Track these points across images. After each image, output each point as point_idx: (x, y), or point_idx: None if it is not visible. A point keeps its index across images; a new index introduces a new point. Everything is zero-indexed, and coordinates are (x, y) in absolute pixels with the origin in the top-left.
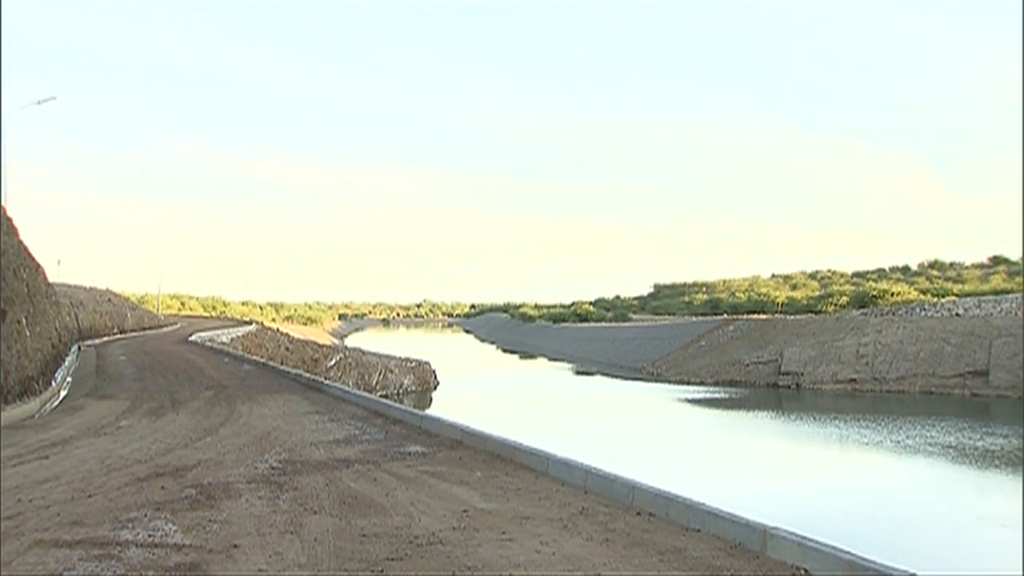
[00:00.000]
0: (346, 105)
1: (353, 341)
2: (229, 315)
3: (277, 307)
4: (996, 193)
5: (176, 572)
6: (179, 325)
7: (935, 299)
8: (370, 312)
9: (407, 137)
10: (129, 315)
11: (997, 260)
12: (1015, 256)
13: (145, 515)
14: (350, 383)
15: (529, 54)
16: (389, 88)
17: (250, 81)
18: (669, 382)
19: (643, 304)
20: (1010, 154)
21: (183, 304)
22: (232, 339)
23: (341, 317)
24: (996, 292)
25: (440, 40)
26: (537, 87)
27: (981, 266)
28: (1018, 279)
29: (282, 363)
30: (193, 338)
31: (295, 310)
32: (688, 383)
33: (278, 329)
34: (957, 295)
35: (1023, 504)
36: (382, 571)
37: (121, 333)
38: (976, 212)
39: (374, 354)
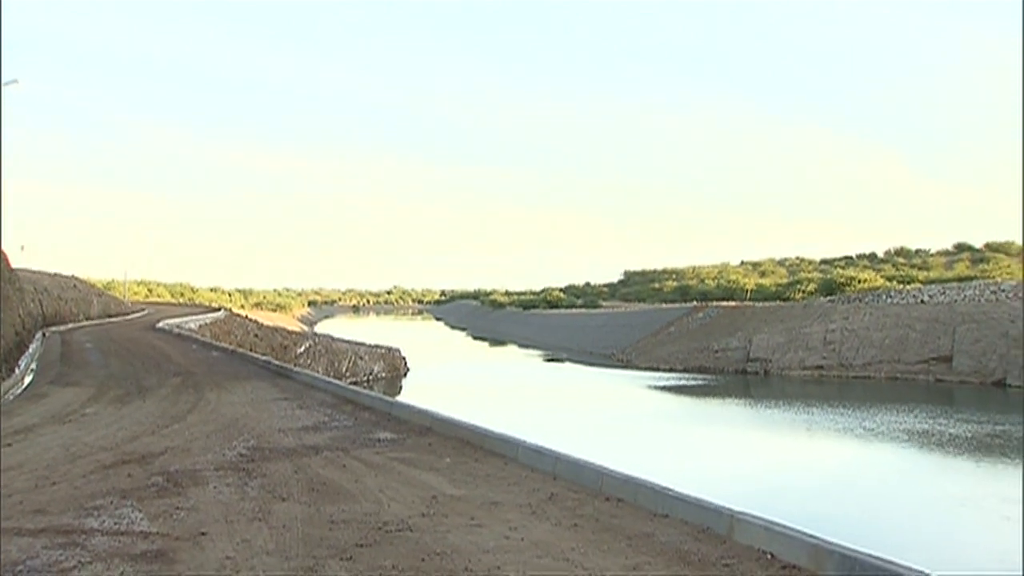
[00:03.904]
0: (316, 92)
1: (323, 328)
2: (197, 302)
3: (246, 294)
4: (961, 180)
5: (142, 559)
6: (146, 312)
7: (901, 286)
8: (340, 299)
9: (378, 124)
10: (95, 302)
11: (961, 247)
12: (979, 243)
13: (111, 503)
14: (320, 370)
15: (500, 42)
16: (360, 75)
17: (217, 67)
18: (639, 369)
19: (613, 291)
20: (974, 142)
21: (150, 291)
22: (200, 326)
23: (311, 304)
24: (960, 279)
25: (411, 27)
26: (509, 75)
27: (946, 253)
28: (981, 266)
29: (251, 350)
30: (160, 325)
31: (264, 297)
32: (658, 369)
33: (247, 316)
34: (922, 282)
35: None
36: (351, 557)
37: (87, 320)
38: (941, 199)
39: (344, 341)
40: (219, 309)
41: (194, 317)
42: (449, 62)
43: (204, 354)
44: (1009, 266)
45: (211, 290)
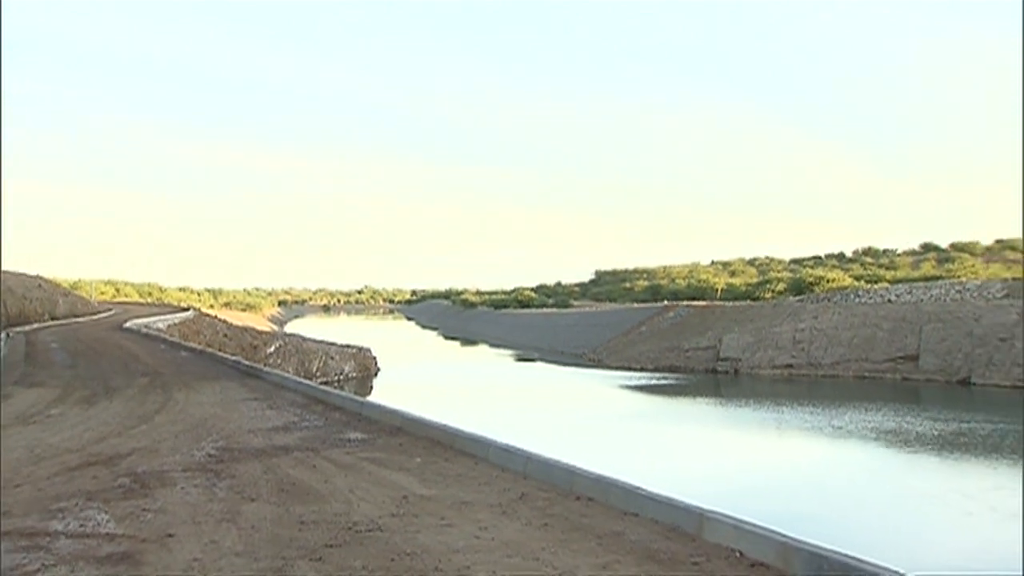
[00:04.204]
0: (286, 89)
1: (293, 328)
2: (166, 301)
3: (215, 293)
4: (927, 181)
5: (108, 562)
6: (113, 311)
7: (869, 286)
8: (310, 298)
9: (348, 123)
10: (61, 301)
11: (927, 247)
12: (944, 243)
13: (76, 505)
14: (290, 370)
15: (476, 41)
16: (331, 73)
17: (188, 63)
18: (610, 368)
19: (584, 291)
20: (940, 142)
21: (118, 290)
22: (169, 326)
23: (281, 304)
24: (926, 279)
25: (385, 25)
26: (481, 74)
27: (912, 253)
28: (947, 266)
29: (220, 350)
30: (128, 325)
31: (234, 296)
32: (629, 369)
33: (216, 316)
34: (889, 282)
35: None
36: (320, 558)
37: (52, 320)
38: (908, 200)
39: (314, 341)
40: (188, 309)
41: (162, 317)
42: (423, 60)
43: (172, 354)
44: (973, 266)
45: (180, 290)
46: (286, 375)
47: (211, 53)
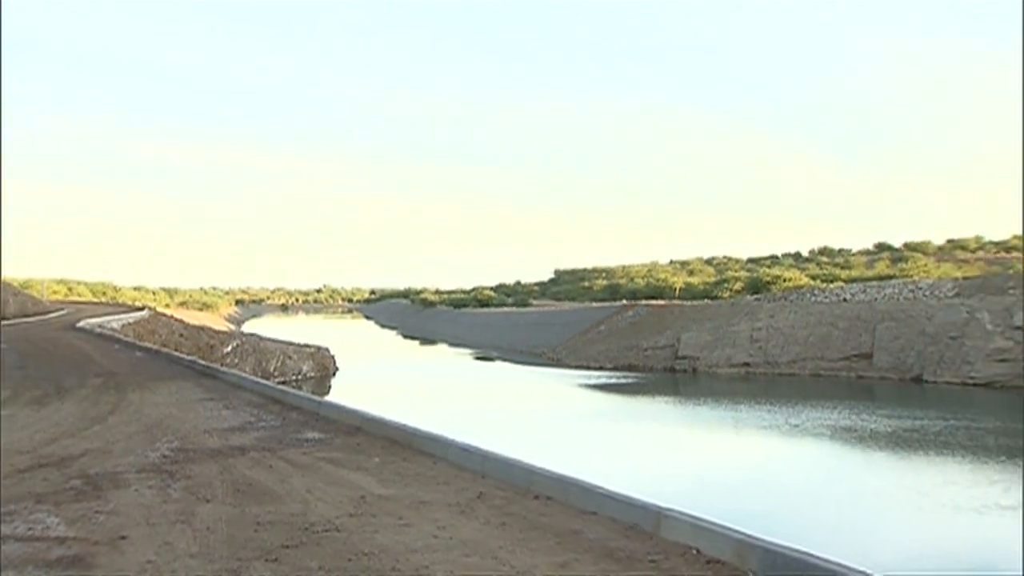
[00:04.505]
0: (245, 84)
1: (251, 327)
2: (120, 301)
3: (171, 293)
4: (882, 181)
5: (57, 565)
6: (66, 311)
7: (824, 285)
8: (268, 298)
9: (307, 119)
10: (11, 301)
11: (881, 247)
12: (898, 243)
13: (25, 508)
14: (247, 369)
15: (435, 37)
16: (289, 68)
17: (142, 57)
18: (569, 367)
19: (544, 290)
20: (894, 143)
21: (70, 290)
22: (123, 325)
23: (238, 303)
24: (880, 278)
25: (345, 18)
26: (441, 71)
27: (867, 253)
28: (900, 265)
29: (176, 349)
30: (81, 324)
31: (190, 296)
32: (588, 368)
33: (172, 315)
34: (845, 281)
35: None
36: (276, 559)
37: (1, 319)
38: (863, 200)
39: (272, 340)
40: (143, 308)
41: (116, 316)
42: (384, 55)
43: (127, 354)
44: (926, 265)
45: (135, 289)
46: (243, 375)
47: (176, 44)
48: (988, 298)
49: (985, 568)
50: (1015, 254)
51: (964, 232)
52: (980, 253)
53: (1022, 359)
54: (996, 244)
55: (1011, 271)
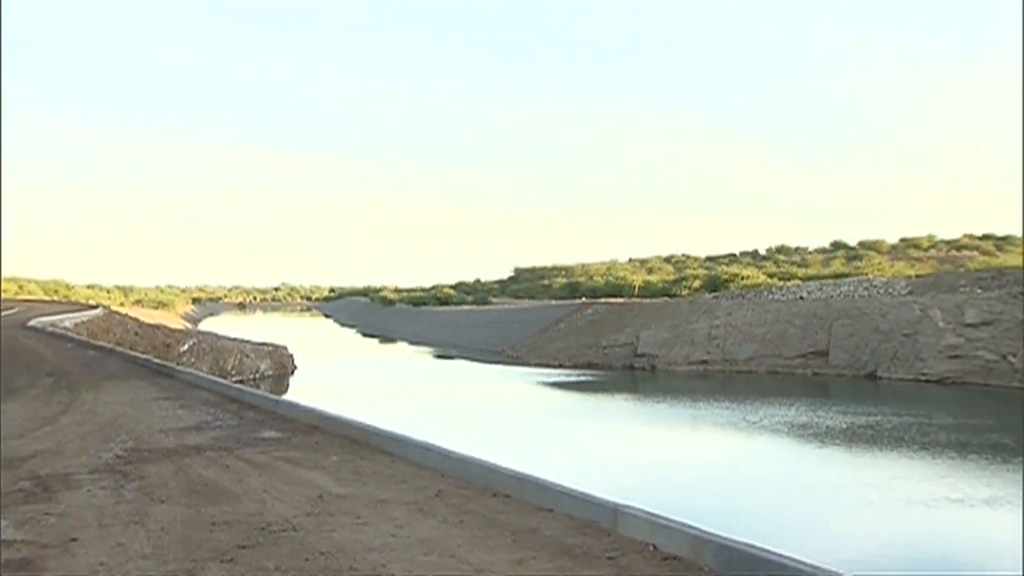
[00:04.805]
0: (201, 79)
1: (208, 325)
2: (73, 299)
3: (126, 291)
4: (837, 180)
5: (6, 569)
6: (16, 310)
7: (781, 283)
8: (226, 296)
9: (264, 115)
10: None
11: (837, 245)
12: (853, 241)
13: None
14: (204, 368)
15: (397, 34)
16: (247, 63)
17: (97, 50)
18: (528, 365)
19: (503, 288)
20: (850, 142)
21: (21, 288)
22: (76, 324)
23: (195, 301)
24: (836, 276)
25: (306, 15)
26: (401, 68)
27: (823, 251)
28: (855, 263)
29: (131, 348)
30: (32, 323)
31: (145, 294)
32: (547, 366)
33: (127, 313)
34: (801, 279)
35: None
36: (232, 559)
37: None
38: (819, 198)
39: (229, 338)
40: (97, 307)
41: (69, 315)
42: (343, 53)
43: (80, 353)
44: (880, 263)
45: (88, 287)
46: (199, 374)
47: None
48: (940, 296)
49: (942, 561)
50: (966, 252)
51: (917, 231)
52: (932, 252)
53: (972, 356)
54: (948, 243)
55: (962, 269)
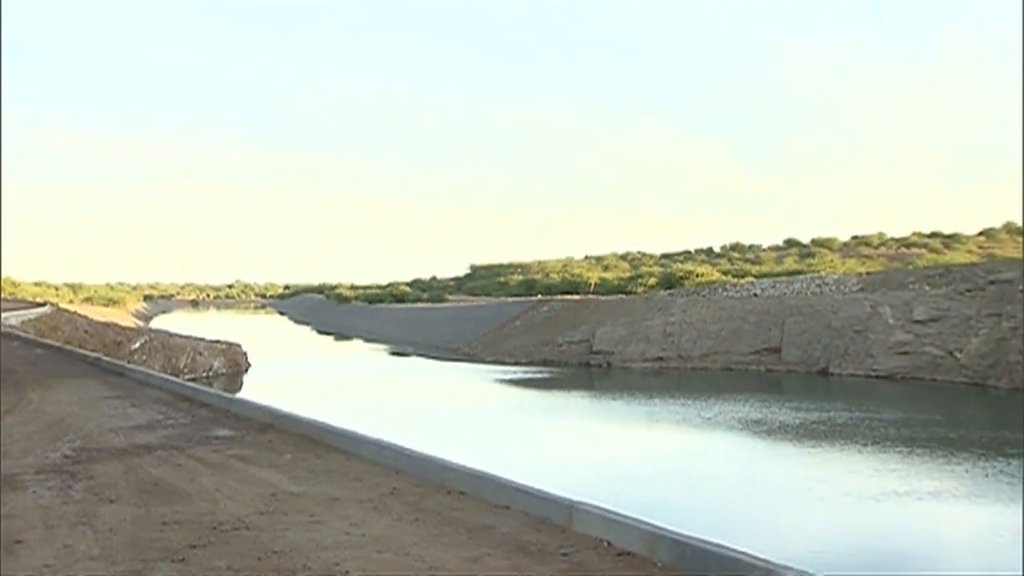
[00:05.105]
0: (153, 73)
1: (160, 323)
2: (20, 296)
3: (75, 288)
4: (790, 179)
5: None
6: None
7: (735, 280)
8: (178, 293)
9: (218, 110)
10: None
11: (790, 243)
12: (806, 239)
13: None
14: (156, 367)
15: (349, 28)
16: (199, 57)
17: (47, 44)
18: (485, 362)
19: (459, 285)
20: (802, 141)
21: None
22: (23, 322)
23: (147, 298)
24: (789, 273)
25: (258, 11)
26: (353, 65)
27: (776, 248)
28: (808, 260)
29: (80, 346)
30: None
31: (95, 291)
32: (503, 363)
33: (76, 311)
34: (755, 276)
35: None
36: (183, 559)
37: None
38: (773, 196)
39: (182, 336)
40: (44, 304)
41: (15, 313)
42: (298, 49)
43: (26, 351)
44: (832, 261)
45: (35, 284)
46: (151, 372)
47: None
48: (890, 293)
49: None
50: (915, 250)
51: (868, 229)
52: (883, 249)
53: (920, 352)
54: (897, 240)
55: (911, 267)
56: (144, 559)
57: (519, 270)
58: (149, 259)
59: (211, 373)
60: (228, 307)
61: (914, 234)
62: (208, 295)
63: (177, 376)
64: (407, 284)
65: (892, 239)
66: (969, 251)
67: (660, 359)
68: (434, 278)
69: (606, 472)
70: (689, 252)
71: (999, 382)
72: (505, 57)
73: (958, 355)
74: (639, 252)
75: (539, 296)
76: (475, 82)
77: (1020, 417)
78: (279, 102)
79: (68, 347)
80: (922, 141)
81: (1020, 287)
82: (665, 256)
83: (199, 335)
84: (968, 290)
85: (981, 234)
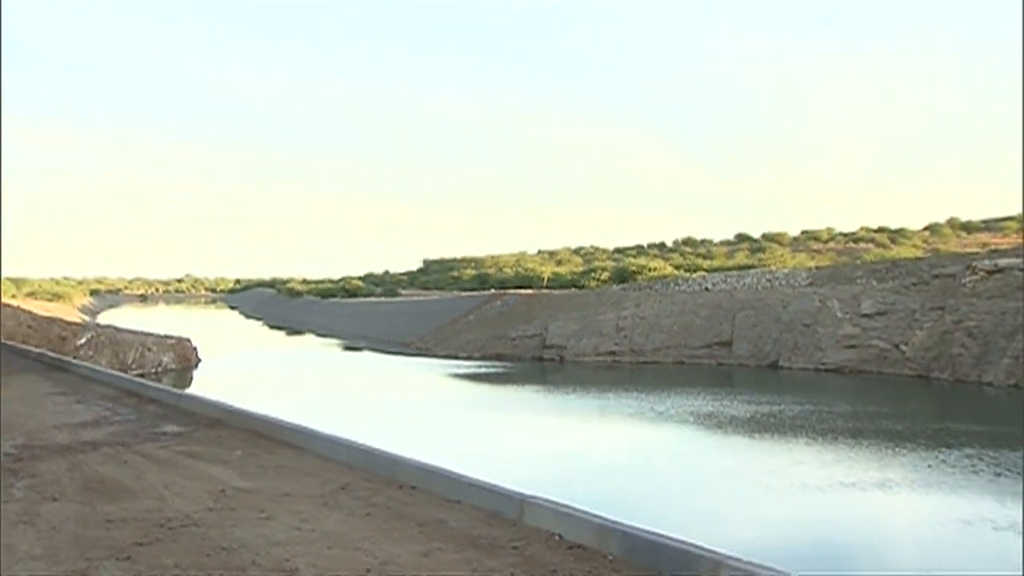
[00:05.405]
0: (100, 63)
1: (107, 318)
2: None
3: (18, 283)
4: (741, 175)
5: None
6: None
7: (688, 274)
8: (126, 288)
9: (168, 102)
10: None
11: (741, 237)
12: (756, 234)
13: None
14: (103, 362)
15: (305, 21)
16: (149, 49)
17: None
18: (437, 356)
19: (412, 279)
20: (752, 138)
21: None
22: None
23: (93, 293)
24: (740, 267)
25: (209, 2)
26: (308, 58)
27: (728, 243)
28: (758, 255)
29: (24, 342)
30: None
31: (39, 286)
32: (456, 357)
33: (19, 306)
34: (707, 270)
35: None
36: (129, 557)
37: None
38: (724, 192)
39: (130, 331)
40: None
41: None
42: (251, 41)
43: None
44: (782, 255)
45: None
46: (97, 367)
47: None
48: (838, 287)
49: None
50: (862, 245)
51: (817, 223)
52: (831, 244)
53: (867, 345)
54: (846, 235)
55: (859, 261)
56: (88, 558)
57: (472, 264)
58: (96, 253)
59: (160, 369)
60: (178, 302)
61: (862, 229)
62: (157, 290)
63: (125, 372)
64: (360, 278)
65: (841, 234)
66: (915, 246)
67: (613, 353)
68: (387, 272)
69: (558, 466)
70: (642, 247)
71: (942, 374)
72: (460, 51)
73: (904, 348)
74: (592, 246)
75: (492, 290)
76: (434, 78)
77: (962, 408)
78: (229, 96)
79: (10, 343)
80: (869, 137)
81: (963, 281)
82: (618, 250)
83: (148, 330)
84: (913, 284)
85: (926, 229)
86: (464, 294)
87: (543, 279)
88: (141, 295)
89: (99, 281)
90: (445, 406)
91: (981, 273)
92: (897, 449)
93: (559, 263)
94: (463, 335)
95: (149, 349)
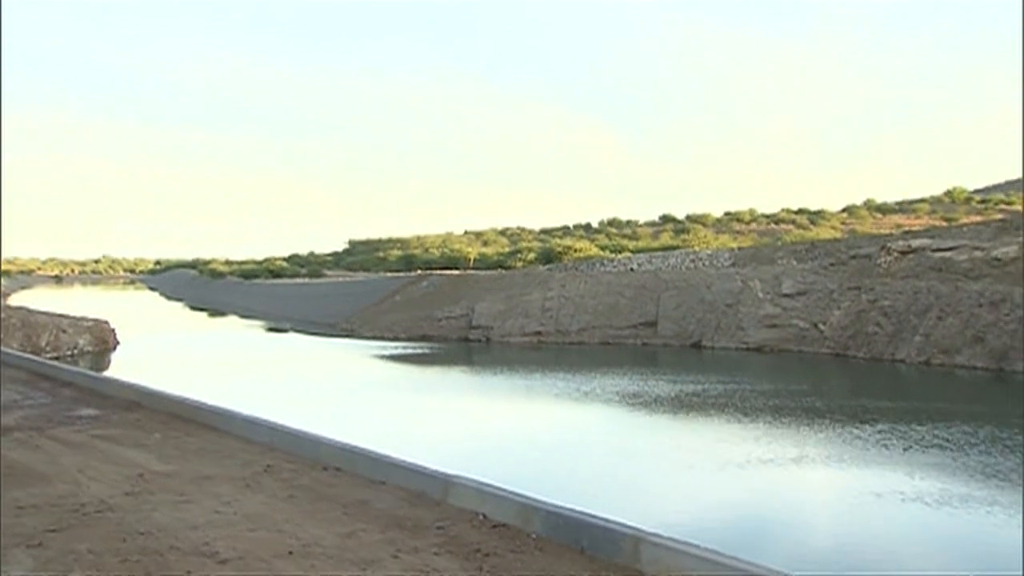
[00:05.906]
0: (16, 42)
1: (19, 300)
2: None
3: None
4: (666, 156)
5: None
6: None
7: (613, 255)
8: (40, 268)
9: (83, 81)
10: None
11: (666, 218)
12: (681, 215)
13: None
14: (15, 345)
15: (226, 3)
16: (71, 29)
17: None
18: (363, 338)
19: (338, 260)
20: (678, 119)
21: None
22: None
23: (4, 274)
24: (665, 248)
25: None
26: (232, 37)
27: (653, 224)
28: (683, 236)
29: None
30: None
31: None
32: (382, 338)
33: None
34: (632, 251)
35: None
36: (40, 544)
37: None
38: (650, 173)
39: (44, 313)
40: None
41: None
42: (175, 22)
43: None
44: (706, 236)
45: None
46: (8, 351)
47: None
48: (760, 267)
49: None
50: (783, 226)
51: (739, 205)
52: (753, 225)
53: (788, 324)
54: (767, 216)
55: (780, 242)
56: None
57: (398, 245)
58: (6, 233)
59: (76, 351)
60: (95, 283)
61: (783, 211)
62: (73, 270)
63: (38, 355)
64: (284, 259)
65: (763, 215)
66: (833, 227)
67: (539, 334)
68: (312, 253)
69: (483, 446)
70: (568, 227)
71: (859, 352)
72: (381, 32)
73: (822, 327)
74: (518, 227)
75: (418, 271)
76: (361, 57)
77: (875, 385)
78: (149, 75)
79: None
80: (791, 121)
81: (878, 261)
82: (544, 231)
83: (63, 312)
84: (831, 264)
85: (844, 211)
86: (390, 275)
87: (469, 260)
88: (56, 276)
89: (9, 262)
90: (370, 387)
91: (895, 254)
92: (814, 426)
93: (485, 244)
94: (389, 316)
95: (64, 331)
